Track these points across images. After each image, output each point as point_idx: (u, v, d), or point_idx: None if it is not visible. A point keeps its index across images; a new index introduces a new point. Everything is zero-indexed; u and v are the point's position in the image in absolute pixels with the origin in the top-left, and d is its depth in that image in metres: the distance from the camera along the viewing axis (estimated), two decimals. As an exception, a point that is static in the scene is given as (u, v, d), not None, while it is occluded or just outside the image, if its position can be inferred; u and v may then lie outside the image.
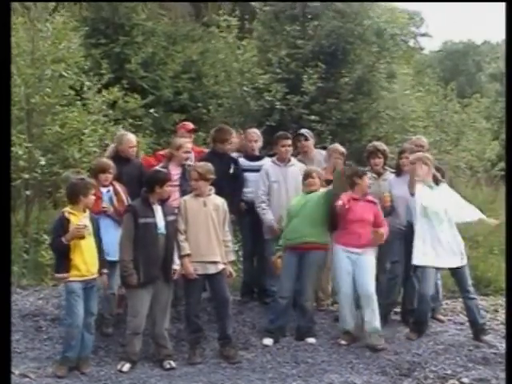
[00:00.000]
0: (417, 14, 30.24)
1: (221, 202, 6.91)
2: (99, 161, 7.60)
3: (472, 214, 7.39)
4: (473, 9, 77.05)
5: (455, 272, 7.27)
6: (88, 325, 6.39)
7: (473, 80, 34.13)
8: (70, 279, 6.24)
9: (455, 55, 40.39)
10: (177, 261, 6.64)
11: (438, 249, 7.12)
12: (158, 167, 7.38)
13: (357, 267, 7.03)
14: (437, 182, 7.32)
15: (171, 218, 6.67)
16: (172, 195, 7.08)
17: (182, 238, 6.72)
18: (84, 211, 6.40)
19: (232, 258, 7.16)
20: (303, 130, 8.59)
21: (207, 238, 6.73)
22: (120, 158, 7.60)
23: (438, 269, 7.24)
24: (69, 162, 10.34)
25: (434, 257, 7.10)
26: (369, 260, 7.08)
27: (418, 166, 7.17)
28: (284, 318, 7.27)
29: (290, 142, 7.98)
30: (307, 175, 7.33)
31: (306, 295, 7.21)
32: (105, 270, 6.54)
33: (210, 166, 6.93)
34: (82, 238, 6.24)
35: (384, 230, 7.05)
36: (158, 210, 6.60)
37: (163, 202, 6.68)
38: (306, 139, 8.34)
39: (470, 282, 7.27)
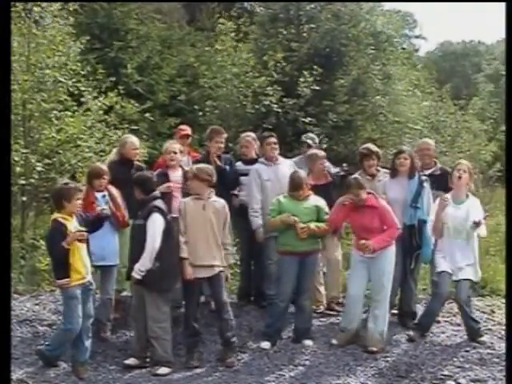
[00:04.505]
0: (410, 15, 30.29)
1: (221, 205, 6.87)
2: (93, 166, 7.58)
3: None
4: (467, 9, 77.11)
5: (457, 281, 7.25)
6: (86, 328, 6.38)
7: (469, 81, 34.12)
8: (72, 284, 6.21)
9: (451, 56, 40.43)
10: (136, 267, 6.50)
11: (452, 260, 7.17)
12: (157, 172, 7.46)
13: (370, 271, 7.06)
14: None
15: (138, 221, 6.61)
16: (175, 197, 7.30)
17: (182, 240, 6.71)
18: (71, 216, 6.32)
19: (230, 261, 7.19)
20: (308, 137, 8.64)
21: (205, 242, 6.72)
22: (123, 162, 7.63)
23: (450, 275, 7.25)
24: (65, 167, 10.33)
25: (449, 265, 7.17)
26: (381, 264, 7.00)
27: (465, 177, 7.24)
28: (282, 320, 7.28)
29: (274, 139, 7.93)
30: (301, 184, 7.15)
31: (306, 294, 7.26)
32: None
33: (207, 167, 6.92)
34: (83, 241, 6.24)
35: (375, 241, 6.89)
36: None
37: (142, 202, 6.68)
38: (309, 146, 8.43)
39: (466, 297, 7.17)
